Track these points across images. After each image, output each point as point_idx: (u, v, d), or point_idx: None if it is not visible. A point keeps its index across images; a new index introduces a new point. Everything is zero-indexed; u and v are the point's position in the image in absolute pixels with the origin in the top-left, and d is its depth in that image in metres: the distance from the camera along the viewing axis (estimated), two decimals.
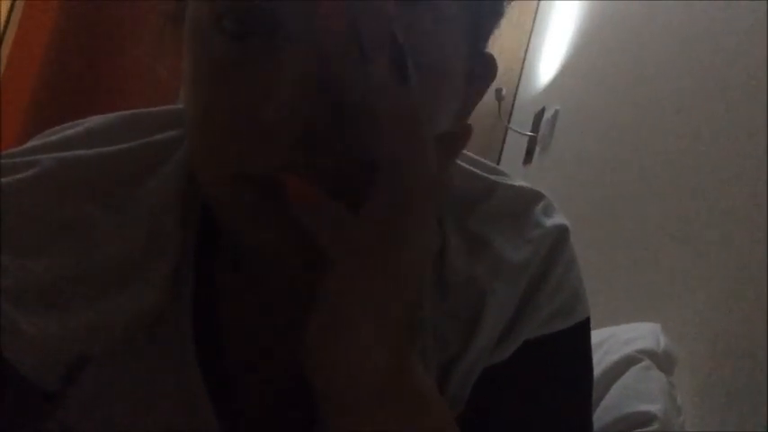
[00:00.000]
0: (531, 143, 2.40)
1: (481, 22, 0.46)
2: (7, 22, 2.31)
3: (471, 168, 0.57)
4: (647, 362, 0.94)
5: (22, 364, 0.44)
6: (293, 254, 0.43)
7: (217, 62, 0.41)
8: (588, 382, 0.57)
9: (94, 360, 0.47)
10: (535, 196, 0.58)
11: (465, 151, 0.59)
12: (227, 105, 0.40)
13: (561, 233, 0.56)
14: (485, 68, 0.49)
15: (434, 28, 0.41)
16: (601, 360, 0.95)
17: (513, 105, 2.79)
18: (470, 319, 0.52)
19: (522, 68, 2.81)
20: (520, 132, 2.51)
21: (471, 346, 0.52)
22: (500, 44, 0.50)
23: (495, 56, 0.50)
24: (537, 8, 2.79)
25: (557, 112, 2.21)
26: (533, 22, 2.80)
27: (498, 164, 2.70)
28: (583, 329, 0.56)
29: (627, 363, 0.94)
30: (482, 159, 0.60)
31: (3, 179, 0.47)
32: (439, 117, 0.43)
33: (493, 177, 0.57)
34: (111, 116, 0.54)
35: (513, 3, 0.50)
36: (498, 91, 2.46)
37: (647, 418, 0.85)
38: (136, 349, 0.48)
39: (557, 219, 0.57)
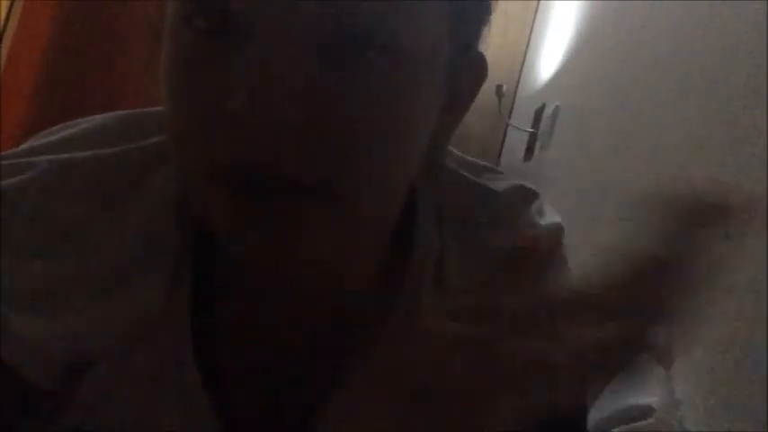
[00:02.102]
0: (532, 139, 2.39)
1: (464, 16, 0.46)
2: (7, 21, 2.30)
3: (467, 175, 0.57)
4: (644, 355, 0.94)
5: (19, 365, 0.44)
6: (265, 252, 0.43)
7: (184, 58, 0.41)
8: None
9: (96, 362, 0.47)
10: (529, 197, 0.58)
11: (460, 152, 0.59)
12: (195, 100, 0.41)
13: (555, 233, 0.56)
14: (474, 67, 0.49)
15: (405, 15, 0.40)
16: None
17: (513, 102, 2.79)
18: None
19: (522, 65, 2.80)
20: (520, 129, 2.51)
21: None
22: (500, 40, 0.50)
23: (496, 52, 0.50)
24: (538, 4, 2.78)
25: (557, 108, 2.21)
26: (534, 18, 2.79)
27: (498, 160, 2.70)
28: None
29: None
30: (473, 159, 0.60)
31: (1, 181, 0.47)
32: (409, 106, 0.43)
33: (488, 181, 0.58)
34: (109, 116, 0.54)
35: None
36: (499, 87, 2.45)
37: (644, 411, 0.85)
38: (136, 350, 0.48)
39: (550, 218, 0.57)
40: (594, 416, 0.85)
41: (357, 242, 0.48)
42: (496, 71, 0.52)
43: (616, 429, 0.84)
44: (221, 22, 0.39)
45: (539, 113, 2.37)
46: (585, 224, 1.58)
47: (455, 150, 0.58)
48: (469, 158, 0.59)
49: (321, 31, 0.38)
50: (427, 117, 0.45)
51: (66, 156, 0.49)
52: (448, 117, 0.47)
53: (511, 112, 2.77)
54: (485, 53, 0.50)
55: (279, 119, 0.37)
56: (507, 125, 2.72)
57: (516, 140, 2.60)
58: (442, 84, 0.45)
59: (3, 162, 0.49)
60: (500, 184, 0.57)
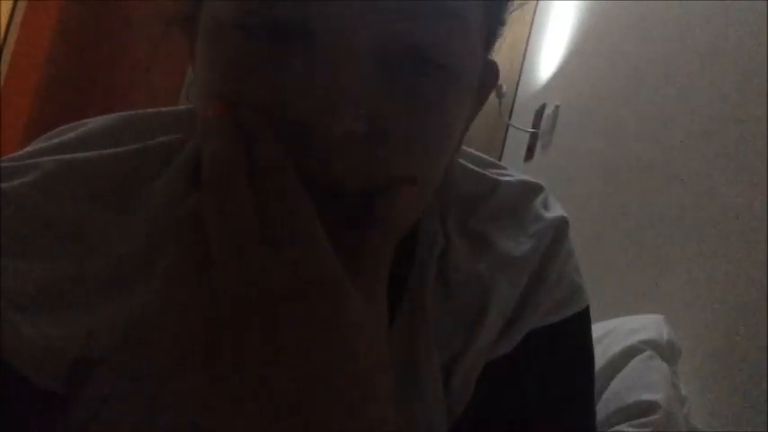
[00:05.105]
0: (533, 139, 2.40)
1: (492, 27, 0.47)
2: (9, 24, 2.31)
3: (473, 167, 0.58)
4: (650, 352, 0.94)
5: (23, 365, 0.44)
6: None
7: (239, 62, 0.41)
8: (590, 368, 0.57)
9: (100, 362, 0.47)
10: (534, 190, 0.58)
11: (463, 146, 0.59)
12: (251, 105, 0.40)
13: (561, 225, 0.56)
14: (489, 72, 0.50)
15: (460, 32, 0.41)
16: (604, 351, 0.96)
17: (513, 102, 2.79)
18: (474, 317, 0.53)
19: (522, 65, 2.80)
20: (521, 129, 2.51)
21: (474, 342, 0.52)
22: (500, 41, 0.50)
23: (496, 52, 0.50)
24: (537, 4, 2.79)
25: (557, 108, 2.21)
26: (533, 17, 2.79)
27: (500, 160, 2.71)
28: (583, 318, 0.56)
29: (630, 353, 0.94)
30: (479, 153, 0.60)
31: (5, 183, 0.47)
32: (458, 119, 0.44)
33: (493, 174, 0.58)
34: (112, 117, 0.54)
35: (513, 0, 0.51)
36: (499, 88, 2.45)
37: (649, 407, 0.85)
38: (140, 350, 0.48)
39: (555, 211, 0.57)
40: (601, 411, 0.86)
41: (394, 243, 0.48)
42: None
43: (623, 425, 0.84)
44: (281, 27, 0.39)
45: (539, 113, 2.38)
46: (587, 221, 1.58)
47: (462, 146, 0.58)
48: (475, 153, 0.59)
49: (383, 44, 0.39)
50: (464, 124, 0.46)
51: (70, 156, 0.49)
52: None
53: (511, 112, 2.78)
54: None
55: (344, 131, 0.37)
56: (508, 125, 2.72)
57: (517, 141, 2.60)
58: (474, 97, 0.47)
59: (5, 164, 0.49)
60: (505, 179, 0.58)
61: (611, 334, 1.01)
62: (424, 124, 0.41)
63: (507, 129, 2.77)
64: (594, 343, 0.58)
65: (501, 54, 0.50)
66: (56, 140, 0.52)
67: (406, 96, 0.40)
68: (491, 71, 0.50)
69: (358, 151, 0.39)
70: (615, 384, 0.91)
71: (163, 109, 0.56)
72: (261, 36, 0.39)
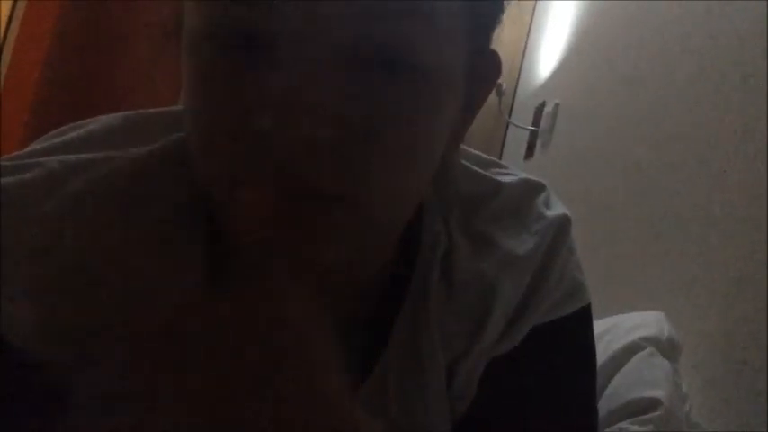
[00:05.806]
0: (532, 137, 2.40)
1: (481, 19, 0.46)
2: (8, 24, 2.31)
3: (474, 168, 0.58)
4: (651, 349, 0.94)
5: (27, 353, 0.45)
6: (289, 255, 0.43)
7: (210, 73, 0.41)
8: (591, 365, 0.57)
9: (100, 360, 0.47)
10: (536, 189, 0.58)
11: (464, 146, 0.59)
12: (220, 116, 0.41)
13: (563, 223, 0.56)
14: (489, 66, 0.49)
15: (430, 30, 0.41)
16: (605, 348, 0.96)
17: (513, 100, 2.79)
18: (477, 317, 0.53)
19: (521, 62, 2.80)
20: (521, 127, 2.51)
21: (478, 343, 0.53)
22: (500, 38, 0.49)
23: (495, 47, 0.50)
24: (536, 2, 2.78)
25: (557, 105, 2.21)
26: (532, 15, 2.79)
27: (500, 159, 2.71)
28: (585, 315, 0.56)
29: (631, 350, 0.94)
30: (479, 153, 0.60)
31: (6, 180, 0.47)
32: (435, 119, 0.43)
33: (494, 174, 0.58)
34: (114, 117, 0.54)
35: None
36: (498, 86, 2.45)
37: (651, 404, 0.85)
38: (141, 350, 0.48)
39: (557, 209, 0.57)
40: (603, 408, 0.86)
41: (376, 245, 0.48)
42: None
43: (625, 422, 0.84)
44: (245, 37, 0.39)
45: (539, 111, 2.38)
46: (588, 219, 1.58)
47: (463, 145, 0.58)
48: (476, 153, 0.59)
49: (348, 48, 0.39)
50: (448, 124, 0.46)
51: (74, 157, 0.50)
52: (463, 116, 0.48)
53: (511, 110, 2.78)
54: None
55: (308, 136, 0.37)
56: (508, 123, 2.72)
57: (517, 139, 2.60)
58: (461, 89, 0.46)
59: (10, 163, 0.49)
60: (506, 178, 0.58)
61: (611, 331, 1.01)
62: (399, 126, 0.40)
63: (507, 127, 2.77)
64: (595, 340, 0.59)
65: (501, 51, 0.49)
66: (58, 140, 0.52)
67: (379, 99, 0.40)
68: (492, 63, 0.49)
69: (329, 156, 0.39)
70: (616, 381, 0.91)
71: (165, 109, 0.56)
72: (228, 46, 0.40)
